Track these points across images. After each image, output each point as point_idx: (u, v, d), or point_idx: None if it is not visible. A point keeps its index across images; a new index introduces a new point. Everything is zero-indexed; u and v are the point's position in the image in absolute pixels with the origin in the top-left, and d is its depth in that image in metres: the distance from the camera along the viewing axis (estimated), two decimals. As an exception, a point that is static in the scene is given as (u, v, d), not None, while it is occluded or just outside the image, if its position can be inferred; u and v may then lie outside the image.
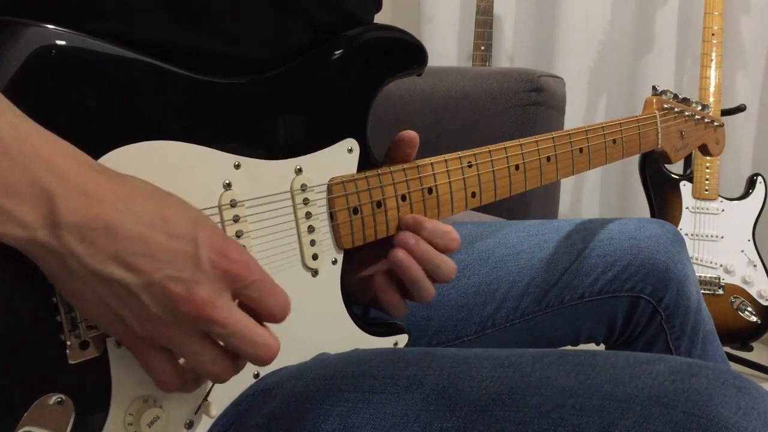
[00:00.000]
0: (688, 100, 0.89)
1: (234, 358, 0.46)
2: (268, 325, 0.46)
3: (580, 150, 0.74)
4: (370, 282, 0.62)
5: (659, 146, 0.85)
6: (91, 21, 0.46)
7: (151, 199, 0.43)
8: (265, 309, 0.46)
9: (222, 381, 0.46)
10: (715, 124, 0.95)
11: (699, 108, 0.91)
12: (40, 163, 0.39)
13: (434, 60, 2.16)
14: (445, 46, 2.15)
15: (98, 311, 0.42)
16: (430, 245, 0.61)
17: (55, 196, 0.39)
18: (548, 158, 0.71)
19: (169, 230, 0.42)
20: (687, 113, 0.89)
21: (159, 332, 0.43)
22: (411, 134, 0.63)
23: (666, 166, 1.81)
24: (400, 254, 0.59)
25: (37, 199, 0.39)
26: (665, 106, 0.86)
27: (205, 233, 0.43)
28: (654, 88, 0.87)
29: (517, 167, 0.69)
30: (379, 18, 0.65)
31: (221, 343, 0.45)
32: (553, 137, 0.72)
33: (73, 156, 0.41)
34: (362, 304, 0.66)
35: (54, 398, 0.44)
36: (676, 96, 0.88)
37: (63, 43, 0.44)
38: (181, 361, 0.46)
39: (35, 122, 0.41)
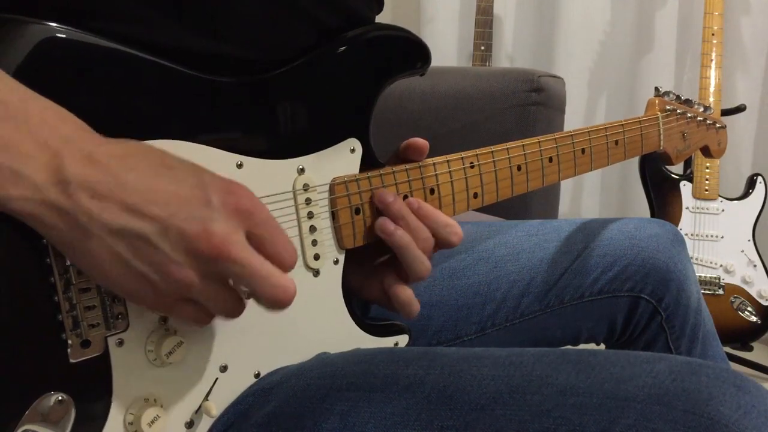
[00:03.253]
0: (691, 101, 0.90)
1: (240, 298, 0.46)
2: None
3: (582, 151, 0.74)
4: (375, 279, 0.62)
5: (661, 147, 0.85)
6: (94, 20, 0.47)
7: (152, 154, 0.44)
8: (275, 251, 0.45)
9: (233, 316, 0.47)
10: (717, 125, 0.95)
11: (701, 110, 0.91)
12: (46, 125, 0.40)
13: (434, 60, 2.15)
14: (445, 46, 2.15)
15: (118, 273, 0.42)
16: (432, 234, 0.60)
17: (63, 155, 0.40)
18: (550, 159, 0.71)
19: (175, 177, 0.43)
20: (689, 115, 0.89)
21: (180, 280, 0.42)
22: (422, 142, 0.62)
23: (666, 166, 1.81)
24: (383, 221, 0.59)
25: (46, 159, 0.39)
26: (668, 107, 0.86)
27: (210, 176, 0.44)
28: (657, 89, 0.87)
29: (519, 168, 0.69)
30: (380, 18, 0.65)
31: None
32: (555, 138, 0.72)
33: (75, 122, 0.42)
34: (369, 302, 0.66)
35: (55, 397, 0.44)
36: (678, 97, 0.88)
37: (64, 40, 0.45)
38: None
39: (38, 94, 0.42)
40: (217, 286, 0.44)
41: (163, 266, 0.42)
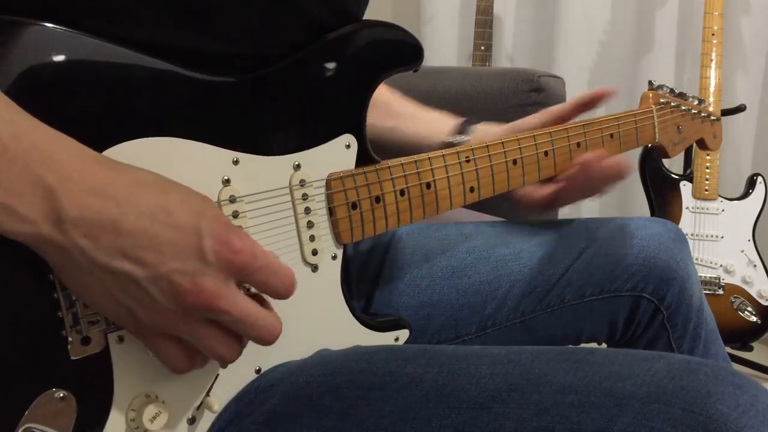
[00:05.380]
0: (685, 94, 0.90)
1: (238, 339, 0.47)
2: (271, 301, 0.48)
3: (578, 144, 0.74)
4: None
5: (656, 140, 0.85)
6: (90, 20, 0.47)
7: (154, 191, 0.43)
8: (269, 290, 0.47)
9: (229, 362, 0.47)
10: (712, 118, 0.95)
11: (695, 102, 0.91)
12: (40, 159, 0.40)
13: (434, 60, 2.16)
14: (445, 46, 2.15)
15: (106, 303, 0.43)
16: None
17: (57, 192, 0.40)
18: (546, 153, 0.72)
19: (172, 222, 0.42)
20: (683, 107, 0.89)
21: (167, 322, 0.43)
22: (596, 95, 0.74)
23: (666, 165, 1.81)
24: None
25: (39, 196, 0.39)
26: (662, 100, 0.86)
27: (208, 224, 0.43)
28: (650, 82, 0.87)
29: (514, 162, 0.69)
30: (379, 18, 0.65)
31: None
32: (550, 132, 0.72)
33: (74, 150, 0.42)
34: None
35: (56, 394, 0.44)
36: (672, 90, 0.88)
37: (61, 41, 0.45)
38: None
39: (35, 118, 0.41)
40: (205, 330, 0.45)
41: (150, 307, 0.43)
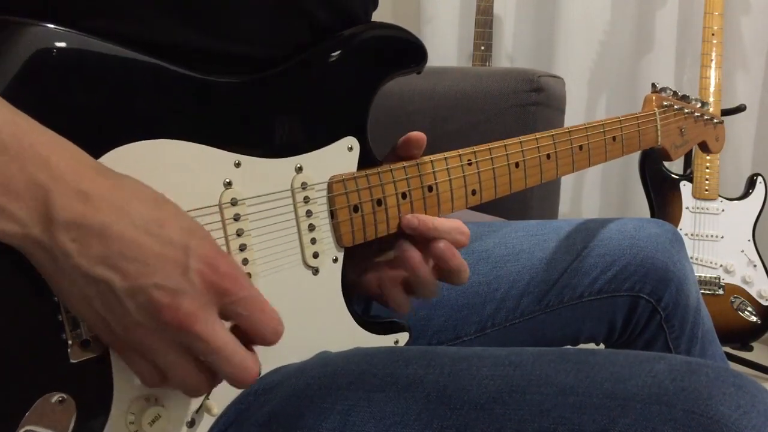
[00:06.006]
0: (688, 97, 0.90)
1: (210, 374, 0.45)
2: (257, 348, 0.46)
3: (580, 147, 0.74)
4: (373, 275, 0.62)
5: (659, 143, 0.85)
6: (91, 20, 0.47)
7: (148, 203, 0.43)
8: (254, 328, 0.44)
9: (193, 396, 0.46)
10: (715, 121, 0.95)
11: (698, 105, 0.91)
12: (38, 161, 0.39)
13: (434, 60, 2.16)
14: (445, 46, 2.15)
15: (84, 310, 0.42)
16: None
17: (51, 193, 0.39)
18: (548, 156, 0.71)
19: (162, 236, 0.42)
20: (686, 110, 0.89)
21: (139, 339, 0.42)
22: (419, 135, 0.62)
23: (666, 166, 1.81)
24: (412, 254, 0.60)
25: (33, 196, 0.39)
26: (665, 103, 0.86)
27: (198, 243, 0.43)
28: (653, 85, 0.87)
29: (517, 165, 0.69)
30: (379, 18, 0.65)
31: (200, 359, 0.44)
32: (552, 135, 0.72)
33: (71, 154, 0.41)
34: (365, 298, 0.66)
35: (55, 397, 0.44)
36: (675, 93, 0.88)
37: (63, 42, 0.44)
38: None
39: (34, 120, 0.41)
40: (176, 356, 0.43)
41: (123, 319, 0.41)
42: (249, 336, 0.45)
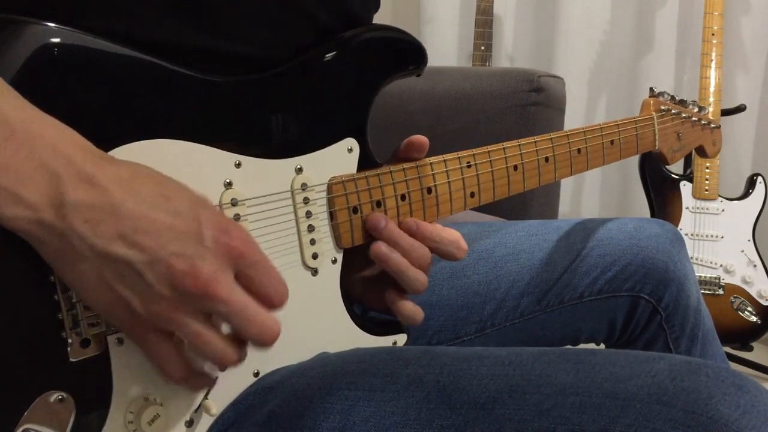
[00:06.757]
0: (685, 101, 0.90)
1: (235, 343, 0.46)
2: None
3: (578, 151, 0.74)
4: (377, 289, 0.62)
5: (656, 147, 0.85)
6: (92, 19, 0.47)
7: (153, 180, 0.43)
8: (264, 292, 0.45)
9: (223, 365, 0.46)
10: (712, 125, 0.95)
11: (696, 110, 0.92)
12: (47, 146, 0.40)
13: (434, 60, 2.16)
14: (445, 46, 2.15)
15: (101, 294, 0.42)
16: (435, 251, 0.61)
17: (61, 177, 0.40)
18: (546, 159, 0.72)
19: (171, 209, 0.42)
20: (684, 115, 0.89)
21: (162, 313, 0.42)
22: (421, 139, 0.62)
23: (666, 166, 1.81)
24: (377, 246, 0.59)
25: (44, 180, 0.40)
26: (662, 107, 0.86)
27: (207, 212, 0.44)
28: (651, 89, 0.88)
29: (515, 167, 0.69)
30: (379, 18, 0.65)
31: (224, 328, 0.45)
32: (551, 138, 0.72)
33: (75, 141, 0.42)
34: (374, 310, 0.66)
35: (55, 396, 0.44)
36: (673, 98, 0.89)
37: (64, 41, 0.45)
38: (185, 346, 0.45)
39: (40, 110, 0.42)
40: (200, 326, 0.43)
41: (145, 295, 0.42)
42: (257, 299, 0.45)
